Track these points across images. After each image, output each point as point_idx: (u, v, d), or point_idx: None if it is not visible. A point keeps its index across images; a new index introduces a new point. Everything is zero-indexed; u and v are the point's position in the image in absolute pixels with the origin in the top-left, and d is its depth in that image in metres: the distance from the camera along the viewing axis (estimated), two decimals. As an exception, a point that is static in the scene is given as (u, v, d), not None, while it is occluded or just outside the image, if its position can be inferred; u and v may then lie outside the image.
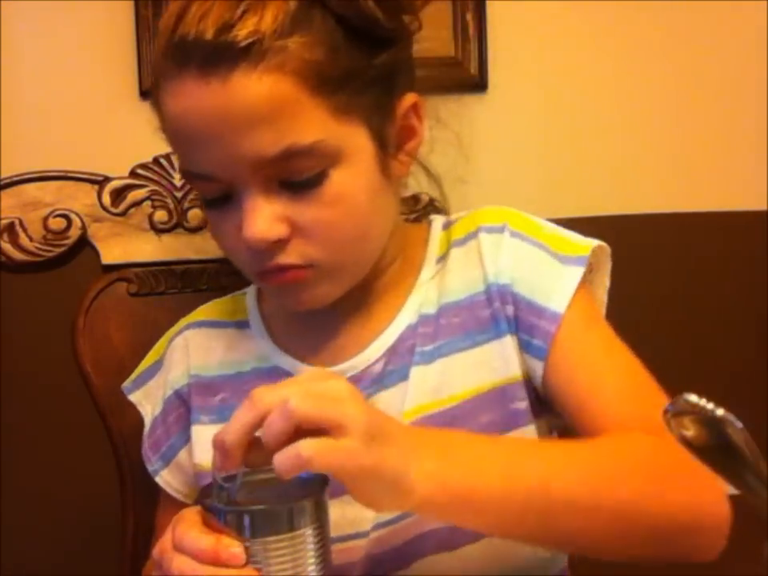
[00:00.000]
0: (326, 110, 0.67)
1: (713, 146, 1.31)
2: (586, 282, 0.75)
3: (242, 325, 0.82)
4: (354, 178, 0.70)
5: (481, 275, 0.76)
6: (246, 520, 0.54)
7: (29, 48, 1.10)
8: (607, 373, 0.72)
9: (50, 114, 1.12)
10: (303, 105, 0.66)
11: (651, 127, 1.30)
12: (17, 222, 0.95)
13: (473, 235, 0.78)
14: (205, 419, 0.79)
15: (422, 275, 0.79)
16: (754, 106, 1.30)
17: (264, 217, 0.68)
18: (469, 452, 0.61)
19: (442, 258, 0.79)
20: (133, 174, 0.96)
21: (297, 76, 0.65)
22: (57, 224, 0.96)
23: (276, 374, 0.77)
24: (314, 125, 0.66)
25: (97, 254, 0.97)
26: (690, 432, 0.47)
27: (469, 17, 1.25)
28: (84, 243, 0.97)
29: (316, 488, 0.56)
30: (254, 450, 0.55)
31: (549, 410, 0.75)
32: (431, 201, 1.04)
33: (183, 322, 0.84)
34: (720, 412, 0.45)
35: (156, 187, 0.96)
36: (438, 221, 0.83)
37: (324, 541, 0.56)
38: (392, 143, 0.73)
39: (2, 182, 0.95)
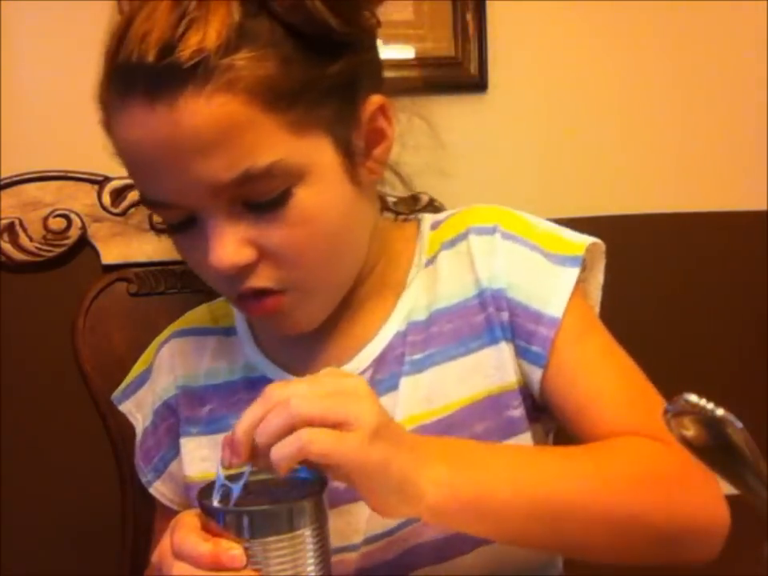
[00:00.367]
0: (282, 126, 0.63)
1: (713, 145, 1.31)
2: (580, 281, 0.74)
3: (229, 332, 0.80)
4: (322, 194, 0.66)
5: (473, 280, 0.74)
6: (246, 520, 0.54)
7: (29, 48, 1.10)
8: (606, 379, 0.71)
9: (50, 114, 1.12)
10: (257, 124, 0.62)
11: (651, 127, 1.30)
12: (17, 221, 0.95)
13: (462, 236, 0.76)
14: (193, 431, 0.77)
15: (411, 280, 0.76)
16: (754, 106, 1.30)
17: (229, 242, 0.64)
18: (476, 460, 0.61)
19: (431, 261, 0.77)
20: (133, 174, 0.96)
21: (248, 94, 0.61)
22: (57, 224, 0.96)
23: (264, 384, 0.75)
24: (271, 144, 0.62)
25: (97, 254, 0.97)
26: (690, 432, 0.47)
27: (469, 17, 1.25)
28: (84, 243, 0.97)
29: (315, 488, 0.56)
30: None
31: (544, 413, 0.74)
32: (431, 201, 1.04)
33: (170, 329, 0.83)
34: (720, 412, 0.45)
35: (156, 187, 0.96)
36: (426, 220, 0.80)
37: (323, 541, 0.56)
38: (360, 150, 0.69)
39: (2, 182, 0.95)
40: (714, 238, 1.31)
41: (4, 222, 0.95)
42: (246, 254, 0.65)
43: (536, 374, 0.72)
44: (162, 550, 0.56)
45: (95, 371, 0.86)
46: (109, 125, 0.65)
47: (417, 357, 0.73)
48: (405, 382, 0.72)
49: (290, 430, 0.53)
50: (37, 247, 0.96)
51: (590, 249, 0.75)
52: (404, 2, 1.26)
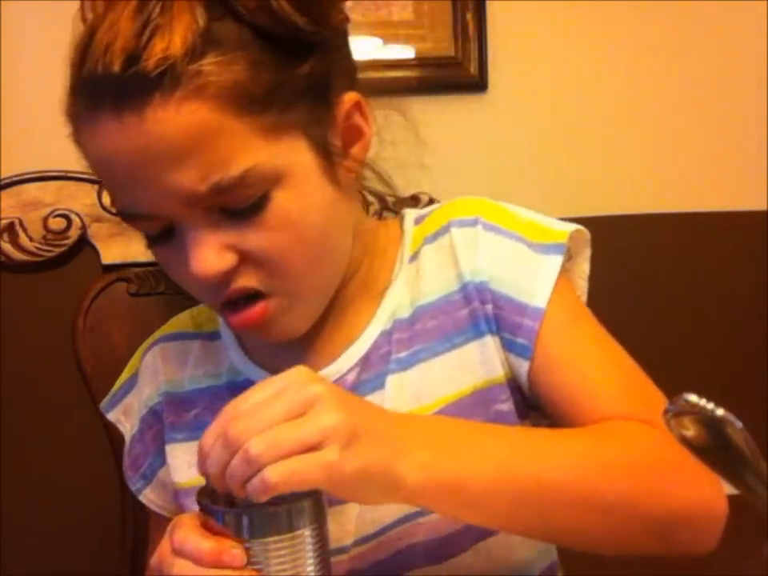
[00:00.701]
0: (255, 131, 0.61)
1: (713, 146, 1.31)
2: (565, 270, 0.73)
3: (213, 336, 0.79)
4: (300, 196, 0.65)
5: (455, 273, 0.73)
6: (245, 521, 0.54)
7: (29, 48, 1.10)
8: (597, 368, 0.70)
9: (49, 114, 1.12)
10: (228, 131, 0.60)
11: (651, 127, 1.30)
12: (17, 222, 0.95)
13: (444, 230, 0.75)
14: (179, 437, 0.77)
15: (395, 278, 0.75)
16: (754, 106, 1.30)
17: (209, 249, 0.63)
18: (461, 442, 0.60)
19: (415, 257, 0.76)
20: (133, 174, 0.96)
21: (217, 100, 0.60)
22: (57, 224, 0.96)
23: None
24: (244, 151, 0.61)
25: (97, 253, 0.97)
26: (690, 432, 0.47)
27: (469, 17, 1.25)
28: (84, 243, 0.97)
29: (314, 488, 0.56)
30: None
31: (534, 409, 0.73)
32: (431, 201, 1.04)
33: (154, 336, 0.82)
34: (720, 412, 0.45)
35: (156, 187, 0.96)
36: (409, 216, 0.79)
37: (323, 541, 0.56)
38: (337, 150, 0.68)
39: (2, 182, 0.95)
40: (714, 237, 1.31)
41: (4, 222, 0.95)
42: (227, 260, 0.64)
43: (523, 366, 0.71)
44: (162, 550, 0.56)
45: (95, 371, 0.86)
46: (79, 138, 0.64)
47: (402, 355, 0.72)
48: (391, 381, 0.72)
49: (255, 473, 0.52)
50: (37, 247, 0.96)
51: (574, 237, 0.74)
52: (404, 2, 1.26)
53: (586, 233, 0.75)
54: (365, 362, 0.73)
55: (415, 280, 0.74)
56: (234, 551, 0.53)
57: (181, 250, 0.64)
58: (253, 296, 0.66)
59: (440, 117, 1.25)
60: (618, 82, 1.30)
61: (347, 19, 0.70)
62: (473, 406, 0.71)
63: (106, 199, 0.96)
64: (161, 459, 0.78)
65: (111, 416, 0.83)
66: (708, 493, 0.64)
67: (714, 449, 0.47)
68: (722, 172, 1.31)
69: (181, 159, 0.60)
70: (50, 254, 0.96)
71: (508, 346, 0.71)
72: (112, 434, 0.92)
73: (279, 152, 0.63)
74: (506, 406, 0.72)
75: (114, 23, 0.60)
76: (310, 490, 0.55)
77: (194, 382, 0.78)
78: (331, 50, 0.67)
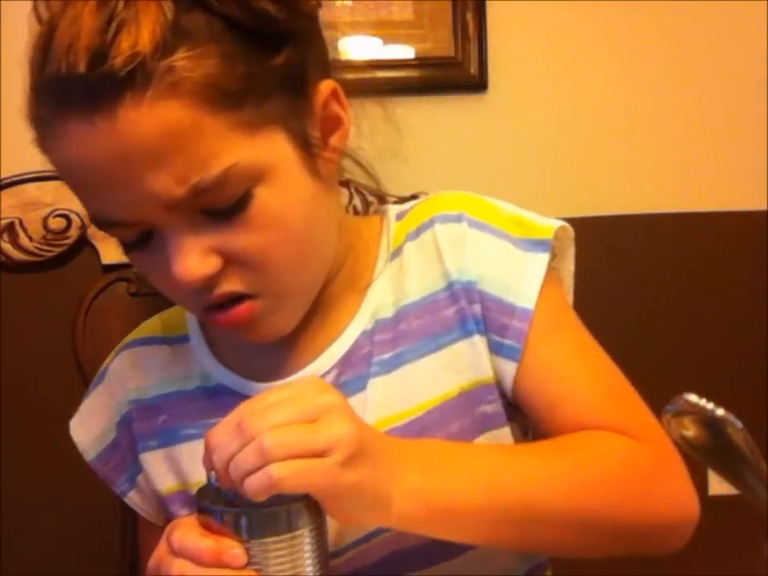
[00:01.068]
0: (232, 128, 0.58)
1: (713, 146, 1.31)
2: (552, 269, 0.71)
3: (182, 340, 0.76)
4: (283, 192, 0.62)
5: (441, 271, 0.70)
6: (244, 521, 0.54)
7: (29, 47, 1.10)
8: (579, 375, 0.69)
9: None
10: (205, 129, 0.57)
11: (651, 127, 1.30)
12: (17, 222, 0.95)
13: (427, 225, 0.72)
14: (152, 444, 0.75)
15: (377, 276, 0.72)
16: (754, 106, 1.30)
17: (192, 253, 0.60)
18: (450, 465, 0.60)
19: (397, 254, 0.73)
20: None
21: (191, 97, 0.56)
22: (57, 224, 0.96)
23: (221, 394, 0.73)
24: (222, 149, 0.58)
25: (97, 253, 0.97)
26: (690, 432, 0.47)
27: (469, 17, 1.25)
28: (84, 243, 0.97)
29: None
30: None
31: (520, 411, 0.72)
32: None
33: (125, 340, 0.80)
34: (720, 412, 0.45)
35: (156, 187, 0.96)
36: (391, 211, 0.76)
37: (322, 541, 0.56)
38: (316, 141, 0.65)
39: (2, 182, 0.95)
40: (714, 238, 1.31)
41: (4, 222, 0.95)
42: (211, 264, 0.61)
43: (510, 368, 0.69)
44: (160, 552, 0.56)
45: (95, 371, 0.85)
46: (44, 144, 0.61)
47: (385, 357, 0.70)
48: (373, 384, 0.70)
49: (262, 466, 0.52)
50: (37, 247, 0.96)
51: (559, 236, 0.72)
52: (404, 2, 1.26)
53: (570, 231, 0.74)
54: (344, 362, 0.71)
55: (398, 278, 0.72)
56: (233, 551, 0.53)
57: (161, 254, 0.61)
58: (238, 297, 0.64)
59: (440, 117, 1.26)
60: (617, 82, 1.30)
61: (319, 4, 0.66)
62: (457, 409, 0.69)
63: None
64: (137, 466, 0.76)
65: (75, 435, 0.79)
66: (683, 500, 0.66)
67: (714, 449, 0.47)
68: (722, 172, 1.31)
69: (157, 161, 0.57)
70: (50, 254, 0.96)
71: (496, 349, 0.70)
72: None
73: (259, 147, 0.60)
74: (492, 407, 0.70)
75: (75, 19, 0.56)
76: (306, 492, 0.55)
77: (161, 387, 0.75)
78: (305, 38, 0.64)
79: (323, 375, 0.70)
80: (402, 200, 0.99)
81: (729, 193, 1.31)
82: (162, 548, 0.56)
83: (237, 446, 0.53)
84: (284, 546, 0.54)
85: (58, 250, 0.96)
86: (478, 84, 1.26)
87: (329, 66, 0.69)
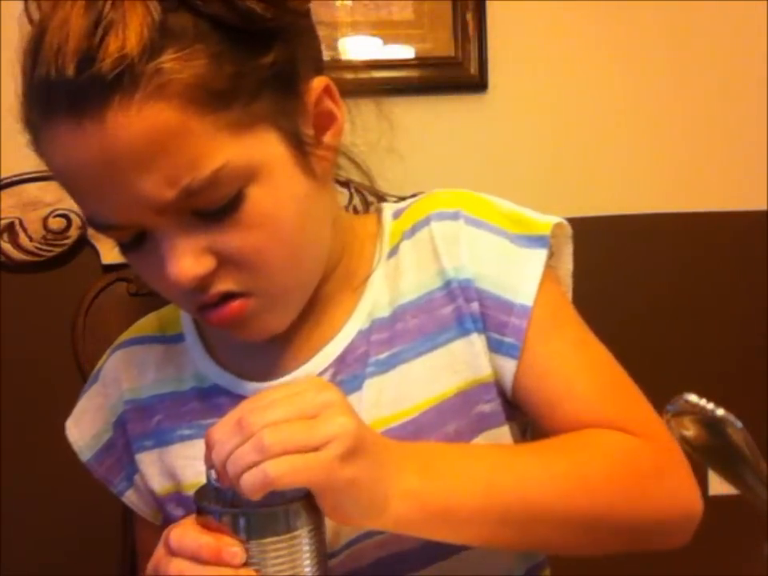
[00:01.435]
0: (221, 128, 0.58)
1: (713, 146, 1.31)
2: (550, 267, 0.71)
3: (176, 339, 0.76)
4: (276, 191, 0.62)
5: (437, 270, 0.70)
6: (243, 522, 0.54)
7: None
8: (579, 373, 0.69)
9: (49, 114, 1.12)
10: (194, 130, 0.57)
11: (651, 127, 1.31)
12: (17, 221, 0.95)
13: (423, 223, 0.72)
14: (147, 444, 0.74)
15: (373, 274, 0.72)
16: (754, 106, 1.30)
17: (185, 254, 0.60)
18: (448, 467, 0.60)
19: (393, 252, 0.72)
20: (133, 173, 0.96)
21: (180, 98, 0.56)
22: (57, 224, 0.96)
23: (216, 394, 0.72)
24: (212, 150, 0.58)
25: (97, 253, 0.97)
26: (690, 432, 0.47)
27: (469, 17, 1.25)
28: (84, 243, 0.97)
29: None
30: None
31: (518, 410, 0.72)
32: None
33: (119, 339, 0.80)
34: (720, 412, 0.45)
35: (156, 187, 0.96)
36: (387, 210, 0.75)
37: (320, 541, 0.56)
38: (309, 139, 0.64)
39: (2, 182, 0.95)
40: (714, 238, 1.31)
41: (4, 222, 0.95)
42: (204, 264, 0.61)
43: (510, 366, 0.69)
44: (158, 554, 0.56)
45: (95, 371, 0.86)
46: (38, 147, 0.61)
47: (382, 356, 0.70)
48: (369, 384, 0.69)
49: (260, 463, 0.52)
50: (37, 247, 0.96)
51: (556, 233, 0.72)
52: (404, 2, 1.26)
53: (567, 228, 0.73)
54: (340, 362, 0.70)
55: (394, 277, 0.72)
56: (232, 548, 0.53)
57: (155, 255, 0.61)
58: (231, 295, 0.64)
59: (440, 117, 1.26)
60: (617, 81, 1.30)
61: (307, 1, 0.65)
62: (454, 409, 0.69)
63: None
64: (133, 466, 0.76)
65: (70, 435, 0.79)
66: (686, 496, 0.66)
67: (714, 449, 0.47)
68: (722, 172, 1.31)
69: (146, 164, 0.57)
70: (50, 254, 0.96)
71: (495, 347, 0.69)
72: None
73: (249, 147, 0.60)
74: (490, 406, 0.70)
75: (64, 22, 0.56)
76: (306, 491, 0.55)
77: (156, 388, 0.75)
78: (294, 35, 0.63)
79: (319, 375, 0.70)
80: (401, 200, 0.99)
81: (729, 193, 1.31)
82: (160, 550, 0.56)
83: (236, 443, 0.53)
84: (283, 546, 0.54)
85: (58, 250, 0.96)
86: (478, 84, 1.26)
87: (322, 63, 0.68)
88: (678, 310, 1.31)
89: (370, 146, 0.74)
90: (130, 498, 0.78)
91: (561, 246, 0.74)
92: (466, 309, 0.69)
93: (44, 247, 0.96)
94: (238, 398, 0.69)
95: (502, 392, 0.70)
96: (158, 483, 0.74)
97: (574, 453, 0.65)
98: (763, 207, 1.29)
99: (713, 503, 0.79)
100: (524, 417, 0.73)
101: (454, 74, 1.26)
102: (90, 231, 0.96)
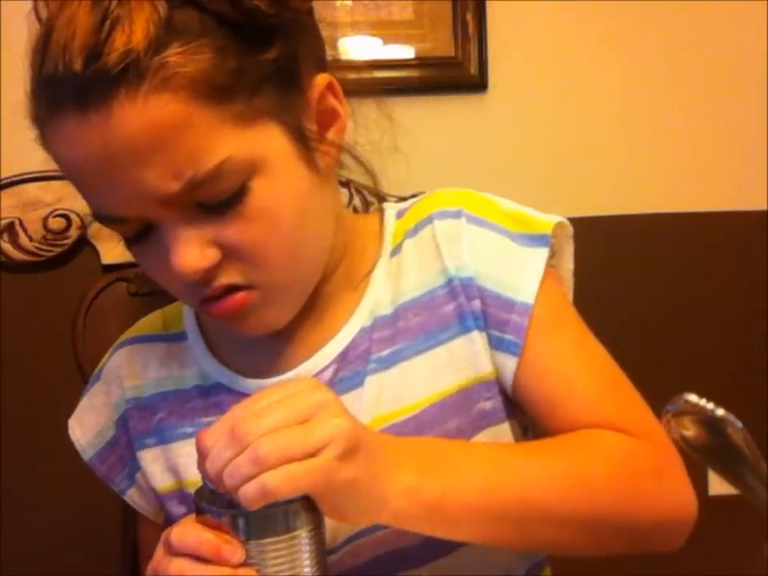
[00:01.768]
0: (225, 121, 0.59)
1: (713, 146, 1.31)
2: (551, 267, 0.71)
3: (178, 337, 0.77)
4: (279, 184, 0.62)
5: (439, 268, 0.71)
6: (242, 522, 0.54)
7: (29, 48, 1.10)
8: (578, 373, 0.69)
9: (49, 114, 1.12)
10: (198, 123, 0.58)
11: (651, 127, 1.31)
12: (17, 222, 0.95)
13: (426, 222, 0.72)
14: (149, 442, 0.75)
15: (375, 273, 0.72)
16: (754, 106, 1.30)
17: (191, 246, 0.61)
18: (447, 463, 0.61)
19: (396, 251, 0.73)
20: (133, 173, 0.96)
21: (184, 92, 0.57)
22: (57, 224, 0.96)
23: (219, 392, 0.73)
24: (216, 143, 0.59)
25: (97, 253, 0.97)
26: (690, 432, 0.47)
27: (469, 17, 1.25)
28: (84, 243, 0.97)
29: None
30: None
31: (519, 408, 0.72)
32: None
33: (122, 337, 0.80)
34: (720, 412, 0.45)
35: (156, 187, 0.96)
36: (390, 209, 0.76)
37: (320, 541, 0.56)
38: (313, 135, 0.65)
39: (2, 182, 0.95)
40: (714, 238, 1.31)
41: (4, 222, 0.95)
42: (210, 256, 0.62)
43: (510, 363, 0.69)
44: (158, 555, 0.56)
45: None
46: (45, 142, 0.62)
47: (384, 353, 0.70)
48: (371, 381, 0.70)
49: (257, 475, 0.52)
50: (37, 247, 0.96)
51: (557, 233, 0.72)
52: (404, 2, 1.26)
53: (569, 228, 0.74)
54: (342, 359, 0.71)
55: (396, 275, 0.72)
56: (232, 547, 0.53)
57: (160, 248, 0.62)
58: (234, 288, 0.64)
59: (440, 117, 1.26)
60: (617, 81, 1.30)
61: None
62: (455, 406, 0.69)
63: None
64: (136, 464, 0.76)
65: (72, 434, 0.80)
66: (683, 498, 0.66)
67: (714, 449, 0.47)
68: (722, 172, 1.31)
69: (151, 157, 0.58)
70: (50, 254, 0.96)
71: (496, 344, 0.69)
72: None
73: (253, 140, 0.61)
74: (491, 403, 0.70)
75: (71, 19, 0.57)
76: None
77: (158, 386, 0.75)
78: (297, 32, 0.64)
79: (321, 371, 0.70)
80: (402, 200, 0.99)
81: (729, 193, 1.31)
82: (159, 551, 0.56)
83: (231, 454, 0.53)
84: (282, 546, 0.54)
85: (58, 250, 0.96)
86: (478, 84, 1.26)
87: (325, 61, 0.69)
88: (678, 310, 1.31)
89: (372, 145, 0.74)
90: (132, 496, 0.78)
91: (562, 245, 0.74)
92: (467, 306, 0.70)
93: (44, 247, 0.96)
94: (240, 395, 0.69)
95: (502, 389, 0.71)
96: (160, 481, 0.74)
97: (575, 453, 0.65)
98: (763, 207, 1.29)
99: (713, 503, 0.79)
100: (525, 415, 0.73)
101: (454, 73, 1.26)
102: (90, 231, 0.96)
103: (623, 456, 0.65)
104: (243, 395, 0.60)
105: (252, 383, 0.71)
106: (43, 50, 0.59)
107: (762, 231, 1.29)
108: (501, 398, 0.71)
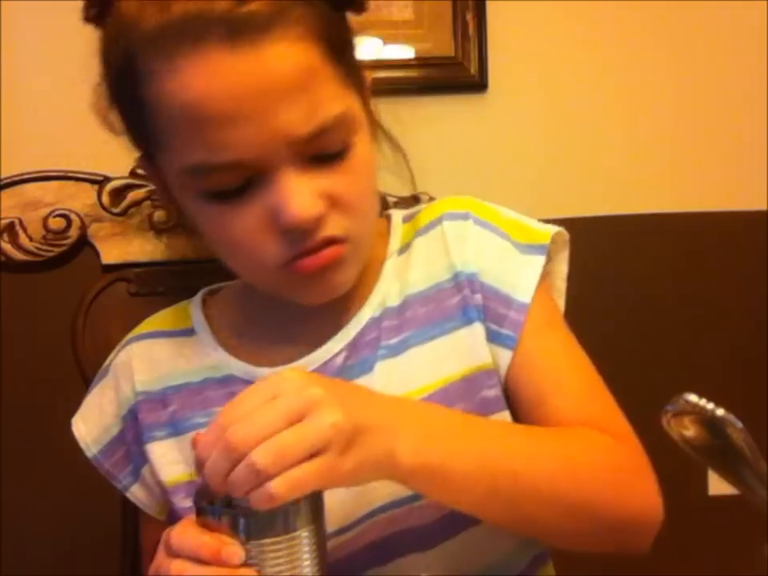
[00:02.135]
0: (340, 77, 0.65)
1: (713, 146, 1.31)
2: (544, 273, 0.76)
3: (187, 332, 0.79)
4: (366, 144, 0.69)
5: (447, 263, 0.76)
6: (242, 522, 0.54)
7: (29, 48, 1.10)
8: (566, 374, 0.74)
9: (50, 114, 1.12)
10: (326, 73, 0.64)
11: (651, 127, 1.30)
12: (17, 221, 0.95)
13: (436, 222, 0.78)
14: (159, 434, 0.76)
15: (384, 269, 0.77)
16: (754, 106, 1.30)
17: (306, 194, 0.64)
18: (447, 430, 0.63)
19: (404, 249, 0.78)
20: (133, 173, 0.96)
21: (318, 41, 0.63)
22: (57, 224, 0.96)
23: (231, 383, 0.75)
24: (338, 95, 0.65)
25: (97, 253, 0.97)
26: (690, 432, 0.47)
27: (469, 17, 1.25)
28: (84, 243, 0.97)
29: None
30: None
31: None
32: (431, 200, 1.03)
33: (130, 335, 0.81)
34: (720, 412, 0.45)
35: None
36: (397, 215, 0.82)
37: (320, 541, 0.56)
38: (371, 115, 0.73)
39: (2, 182, 0.95)
40: (713, 238, 1.31)
41: (4, 222, 0.95)
42: (321, 206, 0.65)
43: (505, 356, 0.73)
44: (159, 556, 0.56)
45: (95, 371, 0.86)
46: (161, 87, 0.62)
47: (392, 341, 0.74)
48: (380, 367, 0.73)
49: (261, 484, 0.52)
50: (37, 247, 0.96)
51: (554, 239, 0.77)
52: (404, 2, 1.26)
53: (565, 234, 0.79)
54: (352, 346, 0.74)
55: (404, 270, 0.77)
56: (232, 548, 0.53)
57: (259, 202, 0.64)
58: (332, 241, 0.67)
59: (440, 117, 1.26)
60: (617, 81, 1.30)
61: None
62: (460, 392, 0.72)
63: (106, 199, 0.96)
64: (141, 458, 0.77)
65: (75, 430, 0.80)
66: (653, 500, 0.69)
67: (714, 449, 0.47)
68: (722, 172, 1.31)
69: (293, 96, 0.61)
70: (50, 254, 0.96)
71: (493, 337, 0.74)
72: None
73: (352, 101, 0.67)
74: (492, 392, 0.73)
75: None
76: None
77: (169, 379, 0.77)
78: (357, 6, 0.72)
79: (332, 358, 0.73)
80: (402, 200, 0.99)
81: (729, 193, 1.31)
82: (160, 553, 0.56)
83: (228, 464, 0.53)
84: (282, 546, 0.54)
85: (58, 250, 0.96)
86: (478, 84, 1.26)
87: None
88: (678, 310, 1.31)
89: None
90: (135, 493, 0.79)
91: (557, 250, 0.79)
92: (470, 300, 0.74)
93: (44, 247, 0.96)
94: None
95: (500, 379, 0.74)
96: (169, 473, 0.75)
97: (563, 440, 0.68)
98: (763, 207, 1.29)
99: (713, 503, 0.79)
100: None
101: (454, 74, 1.26)
102: (91, 231, 0.96)
103: (605, 451, 0.68)
104: None
105: (265, 372, 0.73)
106: None
107: (761, 231, 1.29)
108: (500, 387, 0.74)
